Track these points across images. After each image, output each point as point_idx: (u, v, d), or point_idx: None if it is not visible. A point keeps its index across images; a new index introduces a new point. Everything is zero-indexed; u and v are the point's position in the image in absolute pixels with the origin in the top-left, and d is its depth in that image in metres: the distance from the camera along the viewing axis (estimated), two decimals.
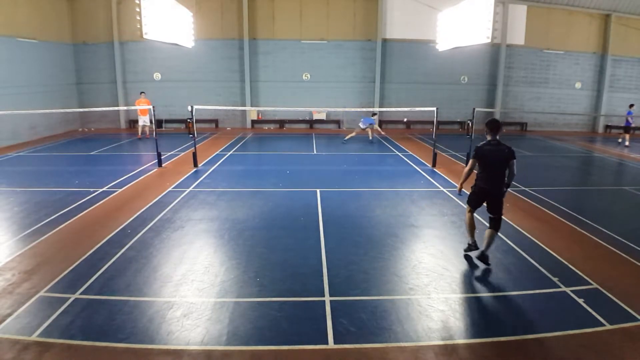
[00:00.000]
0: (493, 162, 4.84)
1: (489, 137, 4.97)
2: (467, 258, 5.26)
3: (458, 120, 19.78)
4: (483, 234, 5.20)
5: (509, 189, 5.29)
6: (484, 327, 3.82)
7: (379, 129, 16.08)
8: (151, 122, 14.97)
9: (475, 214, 5.28)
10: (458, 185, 5.40)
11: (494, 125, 4.92)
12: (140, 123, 15.47)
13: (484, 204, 5.09)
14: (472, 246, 5.24)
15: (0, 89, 13.44)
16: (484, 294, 4.44)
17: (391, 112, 19.02)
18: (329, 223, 6.53)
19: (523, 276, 4.86)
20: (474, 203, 5.16)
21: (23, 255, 5.23)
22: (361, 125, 14.98)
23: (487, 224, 5.13)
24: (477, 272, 4.93)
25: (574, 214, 7.16)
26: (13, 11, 14.36)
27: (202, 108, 13.66)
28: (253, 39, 18.65)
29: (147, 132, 15.54)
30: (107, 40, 18.15)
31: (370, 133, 15.44)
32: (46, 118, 15.72)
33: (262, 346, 3.52)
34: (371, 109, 18.62)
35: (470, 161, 5.07)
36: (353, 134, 15.13)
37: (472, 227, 5.23)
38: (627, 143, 15.64)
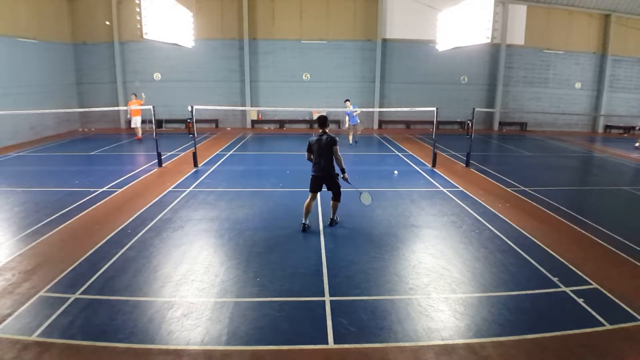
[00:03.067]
0: (318, 150, 6.02)
1: (320, 131, 6.08)
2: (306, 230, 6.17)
3: (458, 120, 19.78)
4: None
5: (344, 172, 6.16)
6: (484, 327, 3.82)
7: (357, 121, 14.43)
8: (150, 122, 14.76)
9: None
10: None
11: (320, 121, 6.15)
12: (132, 125, 15.26)
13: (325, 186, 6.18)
14: (306, 226, 6.17)
15: (1, 89, 13.45)
16: (484, 294, 4.44)
17: (391, 112, 19.02)
18: (328, 223, 6.52)
19: (523, 276, 4.86)
20: (313, 187, 6.16)
21: (23, 255, 5.23)
22: (349, 122, 14.06)
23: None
24: (477, 272, 4.93)
25: (574, 214, 7.16)
26: (13, 11, 14.36)
27: (202, 108, 13.68)
28: (253, 39, 18.66)
29: (138, 133, 15.14)
30: (107, 40, 18.16)
31: (351, 136, 14.34)
32: (46, 118, 15.73)
33: (262, 346, 3.52)
34: (372, 109, 18.66)
35: (306, 154, 6.29)
36: (351, 134, 14.71)
37: (309, 210, 6.17)
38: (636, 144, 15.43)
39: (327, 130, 6.11)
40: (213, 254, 5.47)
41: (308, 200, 6.18)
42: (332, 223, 6.38)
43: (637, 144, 15.66)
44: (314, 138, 6.08)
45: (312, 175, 6.18)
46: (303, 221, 6.20)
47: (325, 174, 6.06)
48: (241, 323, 3.84)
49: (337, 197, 6.21)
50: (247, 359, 3.38)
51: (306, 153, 6.29)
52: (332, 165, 6.07)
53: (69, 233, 6.04)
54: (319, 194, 8.18)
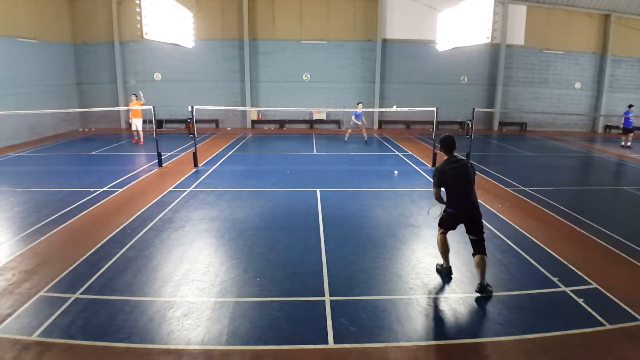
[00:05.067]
0: (456, 181, 4.36)
1: (446, 156, 4.50)
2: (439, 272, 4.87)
3: (458, 120, 19.78)
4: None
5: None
6: (484, 327, 3.82)
7: (363, 121, 15.02)
8: (150, 122, 14.54)
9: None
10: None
11: (448, 142, 4.45)
12: (133, 128, 14.44)
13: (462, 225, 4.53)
14: (445, 268, 4.79)
15: (1, 89, 13.45)
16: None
17: (391, 112, 19.02)
18: (329, 223, 6.53)
19: (523, 276, 4.86)
20: (446, 225, 4.60)
21: (23, 255, 5.23)
22: (355, 121, 14.70)
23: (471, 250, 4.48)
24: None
25: (574, 214, 7.16)
26: (13, 11, 14.37)
27: (203, 108, 13.66)
28: (253, 39, 18.66)
29: (141, 138, 14.45)
30: (107, 40, 18.17)
31: (364, 133, 15.29)
32: (46, 118, 15.72)
33: (262, 346, 3.53)
34: (372, 109, 18.64)
35: (434, 189, 4.51)
36: (349, 132, 15.13)
37: (445, 248, 4.70)
38: (628, 143, 15.51)
39: (456, 154, 4.43)
40: (213, 253, 5.47)
41: (440, 236, 4.70)
42: (483, 290, 4.32)
43: (622, 143, 15.81)
44: (445, 166, 4.40)
45: (448, 212, 4.51)
46: (442, 263, 4.81)
47: (469, 213, 4.33)
48: (241, 323, 3.84)
49: (480, 247, 4.33)
50: (248, 359, 3.38)
51: (434, 189, 4.51)
52: (477, 201, 4.39)
53: (69, 233, 6.04)
54: (318, 192, 8.37)
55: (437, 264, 4.92)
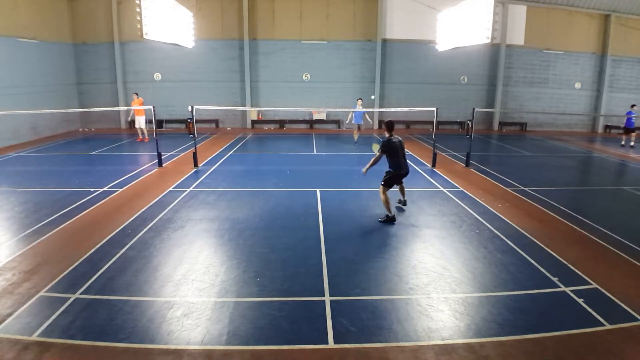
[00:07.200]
0: (402, 151, 6.72)
1: (387, 134, 6.76)
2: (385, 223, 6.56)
3: (458, 120, 19.79)
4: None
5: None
6: (484, 327, 3.82)
7: (367, 118, 15.00)
8: (150, 122, 14.74)
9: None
10: (365, 169, 6.80)
11: (391, 125, 6.83)
12: (137, 125, 14.79)
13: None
14: (392, 217, 6.59)
15: (1, 89, 13.45)
16: (484, 293, 4.44)
17: (391, 112, 19.01)
18: (329, 223, 6.53)
19: (523, 276, 4.86)
20: (391, 183, 6.70)
21: (23, 255, 5.23)
22: (355, 122, 14.39)
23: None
24: (477, 272, 4.94)
25: (574, 214, 7.17)
26: (13, 11, 14.36)
27: (203, 108, 13.67)
28: (253, 39, 18.66)
29: (146, 135, 14.82)
30: (107, 40, 18.17)
31: (355, 134, 14.63)
32: (47, 118, 15.72)
33: (262, 346, 3.53)
34: (372, 109, 18.65)
35: (378, 153, 6.61)
36: (357, 133, 14.79)
37: (388, 201, 6.56)
38: (631, 143, 15.50)
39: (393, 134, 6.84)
40: (213, 253, 5.48)
41: (386, 194, 6.56)
42: (404, 203, 7.26)
43: (622, 142, 15.84)
44: (393, 140, 6.62)
45: (396, 173, 6.68)
46: (391, 214, 6.56)
47: (406, 171, 6.83)
48: (241, 323, 3.84)
49: (401, 181, 7.15)
50: (248, 359, 3.38)
51: (378, 153, 6.58)
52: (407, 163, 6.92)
53: (69, 233, 6.04)
54: (318, 192, 8.39)
55: (380, 218, 6.64)
